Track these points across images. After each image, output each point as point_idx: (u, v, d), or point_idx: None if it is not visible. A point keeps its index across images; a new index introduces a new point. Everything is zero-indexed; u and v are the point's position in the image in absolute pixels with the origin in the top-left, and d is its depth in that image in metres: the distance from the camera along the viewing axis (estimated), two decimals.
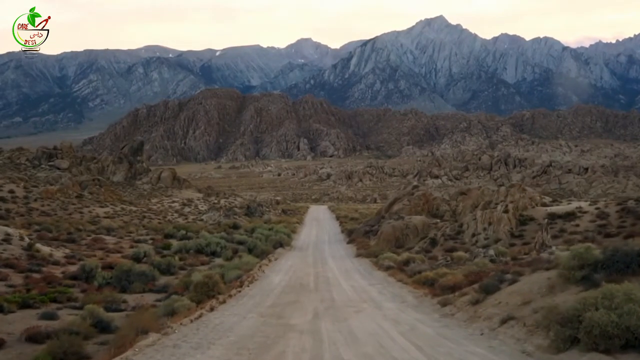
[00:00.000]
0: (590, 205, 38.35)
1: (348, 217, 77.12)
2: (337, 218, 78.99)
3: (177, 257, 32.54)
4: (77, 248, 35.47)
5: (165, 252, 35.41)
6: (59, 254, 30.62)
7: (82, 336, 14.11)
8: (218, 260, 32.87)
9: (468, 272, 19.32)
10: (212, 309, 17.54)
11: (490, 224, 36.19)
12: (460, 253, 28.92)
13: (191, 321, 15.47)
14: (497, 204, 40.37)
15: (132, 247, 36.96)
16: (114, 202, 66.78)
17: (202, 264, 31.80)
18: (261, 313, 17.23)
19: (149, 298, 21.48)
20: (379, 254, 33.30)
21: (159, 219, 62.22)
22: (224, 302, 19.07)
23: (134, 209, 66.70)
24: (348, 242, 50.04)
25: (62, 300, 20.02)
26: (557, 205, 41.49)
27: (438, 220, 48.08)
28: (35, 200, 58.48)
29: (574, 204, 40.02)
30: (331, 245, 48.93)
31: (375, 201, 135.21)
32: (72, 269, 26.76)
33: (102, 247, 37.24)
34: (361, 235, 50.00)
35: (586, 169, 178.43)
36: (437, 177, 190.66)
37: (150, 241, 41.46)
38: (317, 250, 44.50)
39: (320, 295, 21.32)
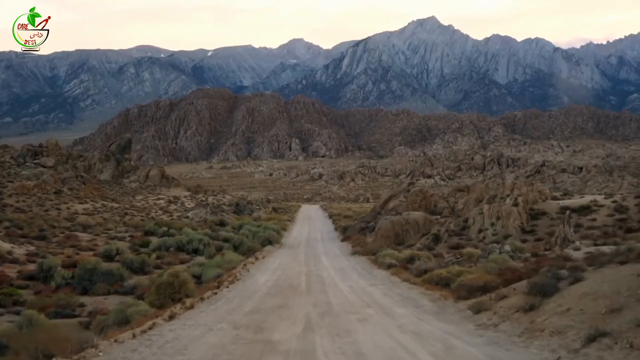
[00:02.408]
0: (605, 198, 35.50)
1: (341, 215, 74.00)
2: (330, 216, 75.91)
3: (154, 255, 29.37)
4: (46, 245, 32.31)
5: (142, 249, 32.23)
6: (20, 251, 27.45)
7: (12, 351, 11.02)
8: (200, 259, 29.69)
9: (503, 268, 16.11)
10: (171, 317, 13.87)
11: (498, 218, 33.25)
12: (471, 249, 25.87)
13: (133, 336, 11.61)
14: (502, 198, 37.53)
15: (107, 244, 33.68)
16: (95, 199, 63.42)
17: (182, 262, 28.61)
18: (235, 323, 13.56)
19: (114, 300, 18.32)
20: (377, 252, 30.25)
21: (142, 216, 58.95)
22: (190, 307, 15.48)
23: (116, 205, 63.38)
24: (342, 240, 46.88)
25: (7, 303, 16.88)
26: (569, 199, 38.60)
27: (438, 217, 45.16)
28: (10, 196, 55.21)
29: (588, 197, 37.19)
30: (324, 242, 45.69)
31: (367, 201, 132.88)
32: (32, 267, 23.60)
33: (74, 244, 34.13)
34: (356, 233, 46.94)
35: (580, 168, 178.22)
36: (429, 176, 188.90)
37: (128, 238, 38.27)
38: (310, 247, 41.26)
39: (313, 298, 17.86)
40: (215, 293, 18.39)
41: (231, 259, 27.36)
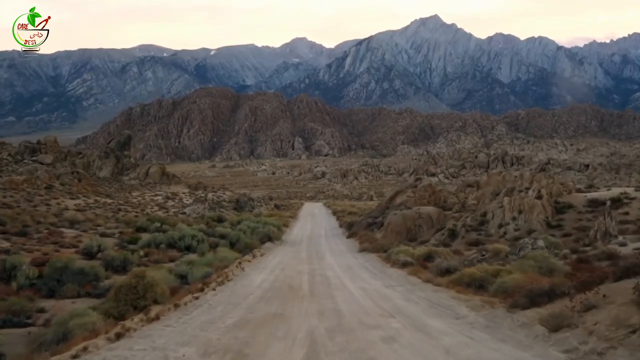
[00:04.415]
0: (636, 190, 32.51)
1: (345, 212, 71.02)
2: (334, 213, 72.96)
3: (141, 252, 26.52)
4: (24, 242, 29.51)
5: (130, 246, 29.40)
6: None
7: None
8: (192, 256, 26.78)
9: (545, 267, 12.95)
10: (119, 335, 10.18)
11: (520, 212, 30.32)
12: (498, 245, 22.95)
13: None
14: (520, 191, 34.63)
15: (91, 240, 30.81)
16: (88, 195, 60.62)
17: (172, 260, 25.72)
18: (207, 345, 9.95)
19: (82, 304, 15.34)
20: (388, 248, 27.39)
21: (136, 212, 56.10)
22: (155, 318, 11.90)
23: (110, 201, 60.58)
24: (348, 237, 44.08)
25: None
26: (596, 191, 35.65)
27: (449, 212, 42.27)
28: None
29: (617, 190, 34.23)
30: (328, 239, 42.78)
31: (371, 199, 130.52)
32: None
33: (57, 241, 31.27)
34: (363, 229, 43.99)
35: (587, 166, 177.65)
36: (433, 174, 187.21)
37: (117, 235, 35.46)
38: (313, 244, 38.39)
39: (317, 305, 14.53)
40: (197, 298, 15.14)
41: (224, 256, 24.45)
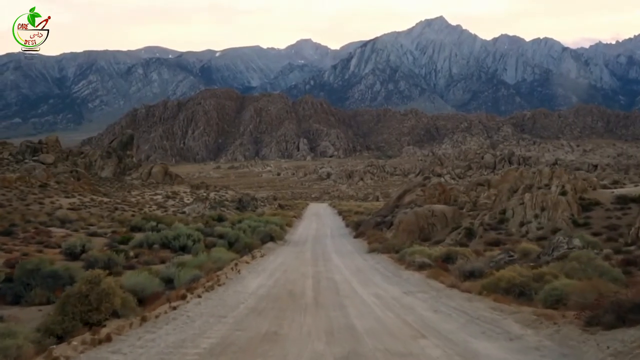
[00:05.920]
0: None
1: (352, 212, 68.75)
2: (340, 213, 70.66)
3: (131, 253, 24.33)
4: (6, 242, 27.38)
5: (121, 246, 27.22)
6: None
7: None
8: (186, 257, 24.48)
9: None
10: None
11: (543, 209, 27.96)
12: (527, 245, 20.62)
13: None
14: (539, 187, 32.26)
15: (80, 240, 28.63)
16: (84, 193, 58.53)
17: (162, 261, 23.46)
18: None
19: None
20: (400, 248, 25.09)
21: (134, 211, 53.95)
22: (106, 340, 8.72)
23: (106, 200, 58.46)
24: (356, 236, 41.89)
25: None
26: (622, 187, 33.29)
27: (461, 211, 39.98)
28: None
29: None
30: (335, 239, 40.44)
31: (377, 199, 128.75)
32: None
33: (42, 240, 29.12)
34: (371, 228, 41.70)
35: (595, 166, 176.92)
36: (439, 175, 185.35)
37: (109, 234, 33.30)
38: (318, 244, 36.06)
39: (324, 319, 11.79)
40: (175, 308, 12.31)
41: (219, 257, 22.14)
